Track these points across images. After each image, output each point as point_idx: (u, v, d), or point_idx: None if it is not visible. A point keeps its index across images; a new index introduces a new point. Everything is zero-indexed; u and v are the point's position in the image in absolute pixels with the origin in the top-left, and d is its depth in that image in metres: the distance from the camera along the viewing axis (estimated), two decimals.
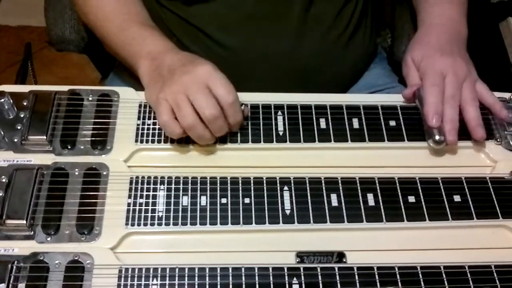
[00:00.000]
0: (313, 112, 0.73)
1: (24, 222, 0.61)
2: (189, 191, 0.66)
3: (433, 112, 0.70)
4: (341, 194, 0.66)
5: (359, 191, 0.67)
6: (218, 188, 0.66)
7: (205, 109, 0.65)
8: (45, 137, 0.68)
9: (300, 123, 0.72)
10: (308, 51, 0.85)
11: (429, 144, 0.71)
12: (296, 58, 0.85)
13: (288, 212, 0.65)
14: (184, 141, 0.70)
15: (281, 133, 0.72)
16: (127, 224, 0.63)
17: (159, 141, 0.70)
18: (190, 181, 0.66)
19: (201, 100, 0.65)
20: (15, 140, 0.68)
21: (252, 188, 0.66)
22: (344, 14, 0.86)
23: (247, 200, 0.65)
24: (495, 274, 0.62)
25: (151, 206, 0.65)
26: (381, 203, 0.66)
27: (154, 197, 0.65)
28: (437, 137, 0.69)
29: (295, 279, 0.60)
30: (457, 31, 0.80)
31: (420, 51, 0.78)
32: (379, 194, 0.67)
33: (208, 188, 0.66)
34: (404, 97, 0.76)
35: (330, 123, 0.73)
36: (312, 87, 0.86)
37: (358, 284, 0.60)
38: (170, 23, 0.86)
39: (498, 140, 0.73)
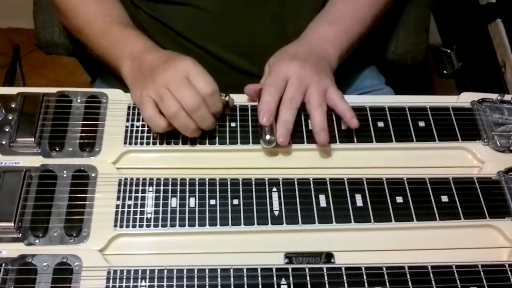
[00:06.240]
0: (302, 114, 0.74)
1: (12, 224, 0.61)
2: (178, 192, 0.66)
3: (264, 110, 0.69)
4: (330, 195, 0.67)
5: (347, 191, 0.67)
6: (207, 190, 0.66)
7: (187, 100, 0.66)
8: (33, 139, 0.68)
9: None
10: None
11: (261, 144, 0.70)
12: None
13: (276, 213, 0.65)
14: (173, 142, 0.70)
15: None
16: (115, 226, 0.63)
17: (147, 143, 0.70)
18: (178, 183, 0.66)
19: (182, 92, 0.66)
20: (3, 142, 0.68)
21: (240, 189, 0.66)
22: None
23: (235, 201, 0.66)
24: (482, 273, 0.62)
25: (140, 207, 0.65)
26: (369, 204, 0.66)
27: (143, 198, 0.65)
28: (267, 137, 0.68)
29: (283, 279, 0.60)
30: (321, 48, 0.77)
31: (276, 57, 0.76)
32: (367, 194, 0.67)
33: (197, 190, 0.66)
34: (246, 92, 0.75)
35: None
36: None
37: (346, 285, 0.60)
38: (146, 24, 0.86)
39: (486, 140, 0.73)
